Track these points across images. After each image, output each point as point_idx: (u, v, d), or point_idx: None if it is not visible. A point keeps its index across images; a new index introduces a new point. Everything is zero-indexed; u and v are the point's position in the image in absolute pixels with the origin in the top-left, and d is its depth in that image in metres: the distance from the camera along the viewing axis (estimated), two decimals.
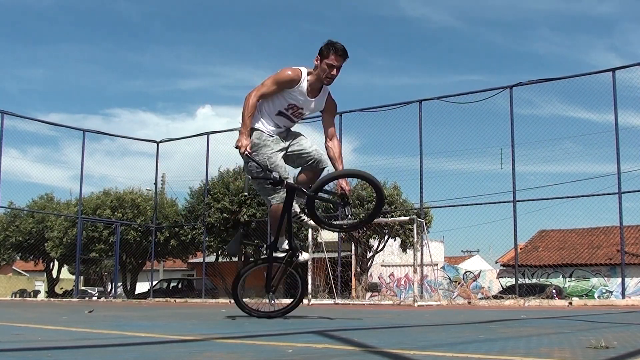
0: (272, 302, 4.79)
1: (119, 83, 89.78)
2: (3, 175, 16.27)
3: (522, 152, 14.55)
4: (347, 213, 4.46)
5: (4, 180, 16.41)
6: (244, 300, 4.92)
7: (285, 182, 4.32)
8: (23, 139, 23.53)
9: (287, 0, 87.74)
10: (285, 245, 4.64)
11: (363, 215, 19.34)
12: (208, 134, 18.72)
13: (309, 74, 4.40)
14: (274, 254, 4.68)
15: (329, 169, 4.66)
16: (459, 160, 22.26)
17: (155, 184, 20.73)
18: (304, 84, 4.37)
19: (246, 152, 4.28)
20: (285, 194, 4.39)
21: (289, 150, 4.56)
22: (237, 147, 4.32)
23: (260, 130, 4.45)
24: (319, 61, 4.34)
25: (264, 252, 4.89)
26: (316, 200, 4.40)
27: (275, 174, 4.27)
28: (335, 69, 4.29)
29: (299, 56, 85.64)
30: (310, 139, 4.71)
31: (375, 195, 4.41)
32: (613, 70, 13.04)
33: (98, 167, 31.27)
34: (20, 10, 77.26)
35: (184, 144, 20.44)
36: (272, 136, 4.46)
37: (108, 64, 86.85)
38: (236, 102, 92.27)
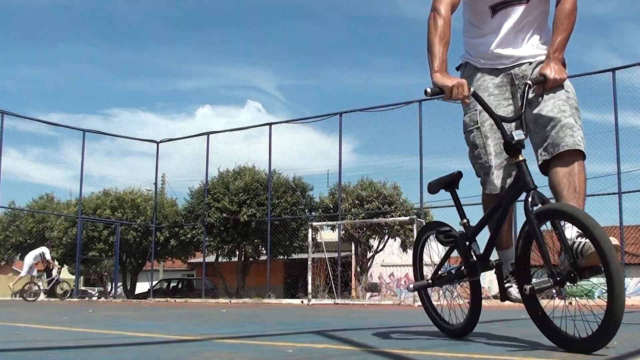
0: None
1: (119, 83, 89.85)
2: (3, 175, 16.33)
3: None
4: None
5: (4, 180, 16.47)
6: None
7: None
8: (23, 139, 23.57)
9: (287, 0, 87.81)
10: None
11: (363, 215, 19.45)
12: (208, 134, 18.81)
13: None
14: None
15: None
16: (459, 160, 22.18)
17: (155, 184, 20.77)
18: None
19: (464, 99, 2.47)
20: (500, 181, 2.69)
21: (516, 111, 2.62)
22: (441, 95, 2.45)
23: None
24: None
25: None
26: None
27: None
28: None
29: (299, 56, 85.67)
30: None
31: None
32: (613, 70, 13.06)
33: (98, 167, 31.13)
34: (19, 10, 77.35)
35: (183, 144, 20.56)
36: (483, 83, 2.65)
37: (107, 64, 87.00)
38: (236, 102, 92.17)
